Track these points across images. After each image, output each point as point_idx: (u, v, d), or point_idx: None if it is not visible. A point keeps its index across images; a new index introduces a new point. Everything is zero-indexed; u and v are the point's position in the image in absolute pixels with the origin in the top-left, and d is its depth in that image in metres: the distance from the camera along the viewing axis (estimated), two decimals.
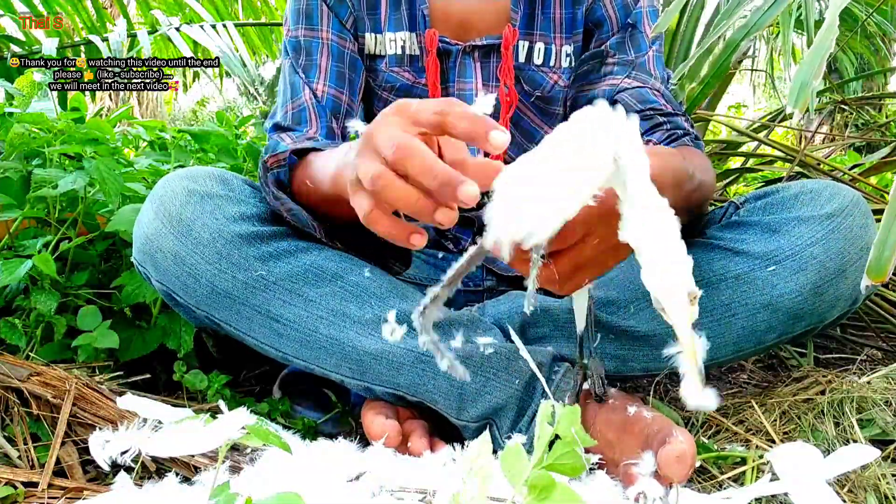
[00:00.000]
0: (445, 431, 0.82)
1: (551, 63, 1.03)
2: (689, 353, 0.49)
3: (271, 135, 0.98)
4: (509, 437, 0.71)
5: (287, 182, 0.87)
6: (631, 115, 0.52)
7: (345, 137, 1.01)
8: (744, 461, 0.74)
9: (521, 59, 1.02)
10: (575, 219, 0.52)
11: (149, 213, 0.84)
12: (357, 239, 0.87)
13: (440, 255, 1.07)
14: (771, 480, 0.67)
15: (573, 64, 1.04)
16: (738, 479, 0.72)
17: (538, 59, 1.03)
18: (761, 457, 0.73)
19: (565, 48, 1.03)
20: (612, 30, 1.01)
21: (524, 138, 1.06)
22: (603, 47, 1.02)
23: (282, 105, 1.01)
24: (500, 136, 0.54)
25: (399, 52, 1.02)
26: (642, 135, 0.92)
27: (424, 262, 1.05)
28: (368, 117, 1.06)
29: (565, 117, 1.06)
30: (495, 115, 1.01)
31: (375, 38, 1.02)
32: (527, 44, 1.02)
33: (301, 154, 0.89)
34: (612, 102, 0.95)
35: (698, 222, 0.92)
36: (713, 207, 0.99)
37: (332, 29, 1.01)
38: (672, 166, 0.71)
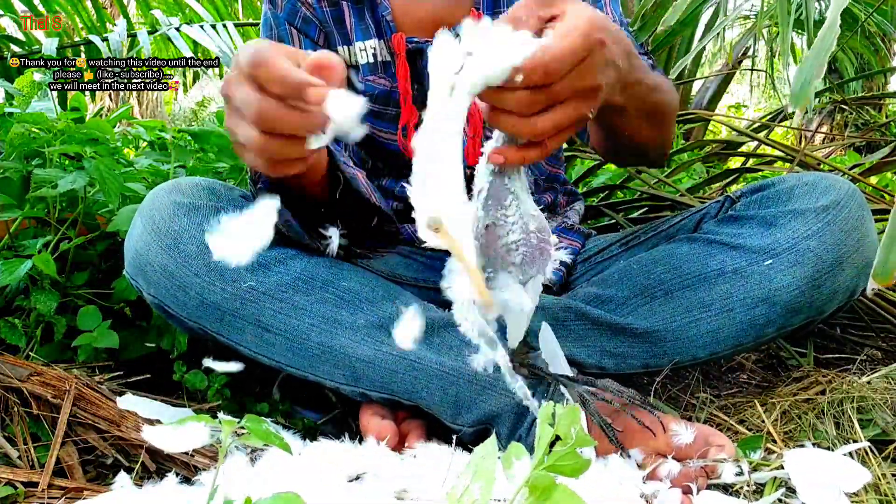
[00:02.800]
0: (443, 430, 0.82)
1: None
2: (467, 268, 0.53)
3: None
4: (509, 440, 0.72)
5: (268, 186, 0.87)
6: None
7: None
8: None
9: None
10: (562, 53, 0.53)
11: (138, 227, 0.84)
12: (349, 224, 0.86)
13: (437, 255, 1.07)
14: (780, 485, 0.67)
15: None
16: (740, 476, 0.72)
17: None
18: (762, 457, 0.73)
19: None
20: None
21: None
22: None
23: None
24: (315, 93, 0.54)
25: (371, 60, 1.01)
26: None
27: (421, 264, 1.05)
28: None
29: None
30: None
31: (347, 49, 1.02)
32: None
33: None
34: None
35: (657, 145, 0.90)
36: (709, 202, 0.99)
37: (306, 48, 1.00)
38: (624, 42, 0.64)
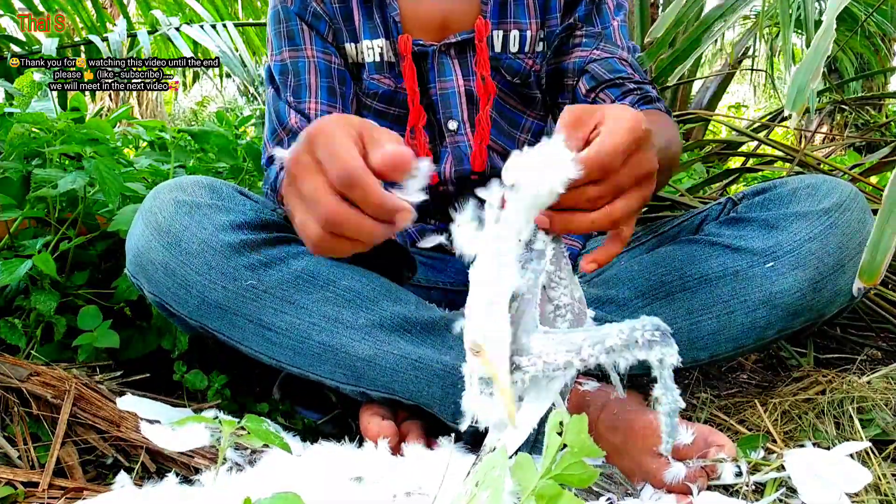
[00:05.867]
0: (444, 430, 0.82)
1: (526, 49, 1.04)
2: (501, 391, 0.56)
3: (267, 167, 0.99)
4: None
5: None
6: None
7: None
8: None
9: (498, 48, 1.02)
10: (615, 148, 0.57)
11: (139, 225, 0.84)
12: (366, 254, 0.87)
13: (437, 255, 1.07)
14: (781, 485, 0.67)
15: (546, 49, 1.05)
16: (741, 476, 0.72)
17: (514, 47, 1.03)
18: (762, 457, 0.73)
19: (540, 33, 1.04)
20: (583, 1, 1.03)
21: (509, 125, 1.07)
22: (572, 19, 1.03)
23: (271, 135, 1.01)
24: (402, 220, 0.56)
25: (377, 59, 1.02)
26: (614, 101, 0.97)
27: (422, 263, 1.05)
28: None
29: (544, 100, 1.07)
30: (475, 108, 1.02)
31: (355, 47, 1.03)
32: (501, 33, 1.02)
33: None
34: (583, 72, 1.01)
35: (663, 183, 0.94)
36: (711, 203, 0.99)
37: (316, 46, 1.01)
38: (662, 135, 0.75)
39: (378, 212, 0.55)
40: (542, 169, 0.57)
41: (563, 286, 0.62)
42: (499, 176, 0.60)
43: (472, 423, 0.63)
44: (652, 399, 0.58)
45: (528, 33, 1.03)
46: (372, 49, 1.02)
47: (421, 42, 1.00)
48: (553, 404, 0.61)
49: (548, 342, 0.57)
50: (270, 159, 1.00)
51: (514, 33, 1.02)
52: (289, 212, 0.62)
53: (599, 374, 0.78)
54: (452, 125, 1.03)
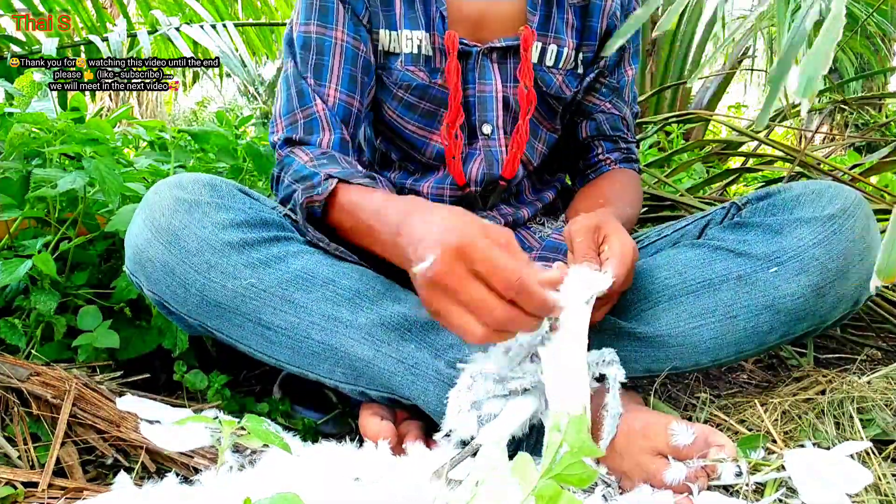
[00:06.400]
0: None
1: (560, 65, 1.04)
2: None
3: (282, 150, 0.96)
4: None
5: (320, 213, 0.87)
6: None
7: (355, 142, 1.01)
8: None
9: (535, 59, 1.03)
10: (626, 277, 0.79)
11: (139, 223, 0.83)
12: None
13: None
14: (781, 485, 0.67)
15: (579, 70, 1.07)
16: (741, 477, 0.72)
17: (549, 61, 1.04)
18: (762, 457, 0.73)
19: (574, 53, 1.05)
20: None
21: (531, 135, 1.07)
22: (603, 62, 1.08)
23: (286, 113, 0.97)
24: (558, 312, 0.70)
25: (415, 50, 0.99)
26: (606, 152, 1.14)
27: None
28: (376, 114, 1.05)
29: (562, 118, 1.09)
30: (515, 117, 1.03)
31: (390, 34, 0.99)
32: (540, 45, 1.02)
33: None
34: (590, 117, 1.12)
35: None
36: (714, 208, 1.00)
37: (348, 30, 0.97)
38: (628, 217, 1.00)
39: (541, 311, 0.64)
40: (584, 285, 0.75)
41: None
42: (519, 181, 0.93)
43: (450, 435, 0.73)
44: (603, 404, 0.73)
45: (566, 50, 1.03)
46: (411, 40, 0.99)
47: (464, 41, 0.99)
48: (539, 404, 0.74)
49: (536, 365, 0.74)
50: (287, 141, 0.96)
51: (553, 47, 1.03)
52: (435, 311, 0.66)
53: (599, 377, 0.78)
54: (487, 129, 1.02)
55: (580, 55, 1.06)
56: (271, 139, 0.99)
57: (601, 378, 0.75)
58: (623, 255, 0.78)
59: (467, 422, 0.72)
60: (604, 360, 0.75)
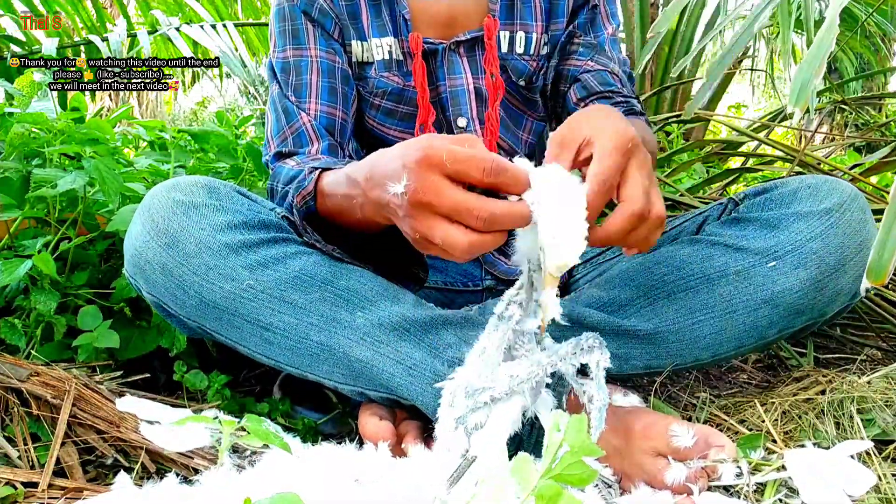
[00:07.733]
0: None
1: (531, 51, 1.05)
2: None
3: (273, 164, 0.98)
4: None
5: (314, 206, 0.87)
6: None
7: (345, 150, 1.01)
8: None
9: (504, 48, 1.04)
10: (612, 171, 0.65)
11: (137, 225, 0.83)
12: (381, 253, 0.88)
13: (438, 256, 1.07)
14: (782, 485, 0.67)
15: (551, 52, 1.07)
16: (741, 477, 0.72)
17: (520, 48, 1.05)
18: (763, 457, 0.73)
19: (544, 37, 1.06)
20: (585, 6, 1.06)
21: (514, 125, 1.08)
22: (572, 26, 1.06)
23: (276, 133, 1.01)
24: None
25: (386, 56, 1.03)
26: None
27: (429, 265, 1.05)
28: (359, 126, 1.06)
29: (544, 103, 1.10)
30: (484, 106, 1.03)
31: (362, 45, 1.03)
32: (508, 33, 1.04)
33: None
34: (576, 81, 1.05)
35: None
36: (712, 204, 1.00)
37: (320, 46, 1.01)
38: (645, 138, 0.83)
39: (524, 187, 0.62)
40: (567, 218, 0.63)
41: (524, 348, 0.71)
42: None
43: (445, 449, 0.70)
44: (586, 395, 0.68)
45: (534, 35, 1.05)
46: (381, 47, 1.02)
47: (430, 40, 1.01)
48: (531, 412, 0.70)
49: (513, 365, 0.69)
50: (278, 155, 0.99)
51: (521, 34, 1.04)
52: (421, 237, 0.64)
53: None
54: (462, 122, 1.04)
55: (548, 35, 1.07)
56: (264, 159, 1.03)
57: (583, 369, 0.70)
58: (606, 141, 0.65)
59: (457, 438, 0.69)
60: (584, 348, 0.68)
